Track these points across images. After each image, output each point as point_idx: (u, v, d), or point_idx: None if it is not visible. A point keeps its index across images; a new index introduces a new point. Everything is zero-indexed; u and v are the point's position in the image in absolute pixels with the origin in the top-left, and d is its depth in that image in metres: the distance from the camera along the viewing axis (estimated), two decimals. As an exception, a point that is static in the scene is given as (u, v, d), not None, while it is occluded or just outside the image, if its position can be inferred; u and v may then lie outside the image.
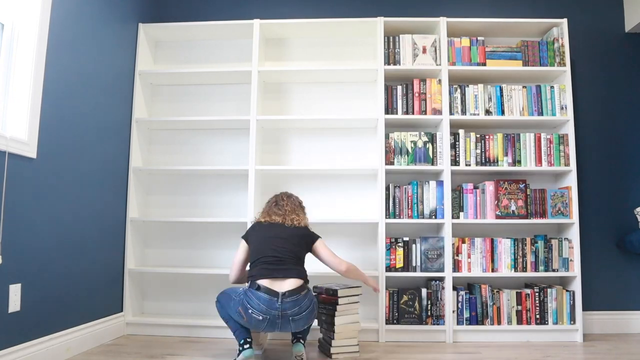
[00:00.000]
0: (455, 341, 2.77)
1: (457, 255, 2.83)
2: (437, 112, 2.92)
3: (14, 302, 1.96)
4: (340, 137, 3.15)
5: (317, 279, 2.83)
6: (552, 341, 2.76)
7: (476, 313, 2.79)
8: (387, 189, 2.88)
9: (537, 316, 2.79)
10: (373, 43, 3.17)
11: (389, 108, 2.95)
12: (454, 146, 2.90)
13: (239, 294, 2.16)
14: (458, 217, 2.86)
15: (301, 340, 2.25)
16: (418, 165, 2.88)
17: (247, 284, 2.23)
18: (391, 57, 2.98)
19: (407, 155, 2.90)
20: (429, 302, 2.79)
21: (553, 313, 2.79)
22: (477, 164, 2.89)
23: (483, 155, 2.90)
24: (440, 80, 2.95)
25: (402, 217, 2.87)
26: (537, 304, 2.79)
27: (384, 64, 2.96)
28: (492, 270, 2.82)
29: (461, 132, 2.91)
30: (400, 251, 2.82)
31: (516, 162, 2.89)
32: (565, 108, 2.91)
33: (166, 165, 3.09)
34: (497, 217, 2.83)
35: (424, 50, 2.98)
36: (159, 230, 3.16)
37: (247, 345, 2.12)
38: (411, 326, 2.78)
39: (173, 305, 3.09)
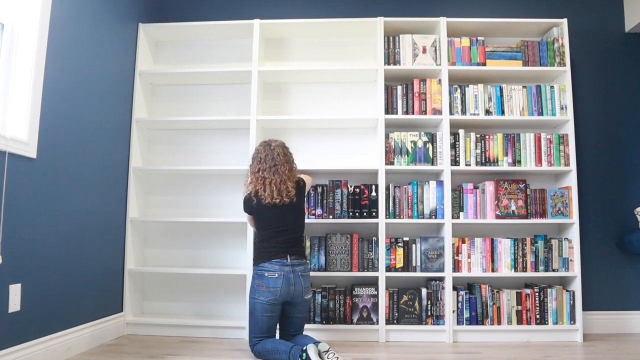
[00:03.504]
0: (455, 341, 2.77)
1: (457, 255, 2.83)
2: (437, 112, 2.92)
3: (14, 302, 1.96)
4: (341, 137, 3.15)
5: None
6: (552, 341, 2.76)
7: (476, 313, 2.79)
8: (387, 189, 2.88)
9: (537, 316, 2.79)
10: (373, 43, 3.17)
11: (389, 108, 2.95)
12: (454, 146, 2.90)
13: (252, 287, 2.40)
14: (458, 217, 2.86)
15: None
16: (418, 165, 2.88)
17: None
18: (391, 57, 2.98)
19: (407, 155, 2.90)
20: (429, 302, 2.80)
21: (553, 313, 2.79)
22: (477, 164, 2.89)
23: (483, 155, 2.90)
24: (440, 80, 2.95)
25: (402, 217, 2.87)
26: (537, 304, 2.79)
27: (384, 64, 2.96)
28: (492, 270, 2.82)
29: (461, 132, 2.91)
30: (400, 251, 2.82)
31: (516, 162, 2.89)
32: (565, 108, 2.91)
33: (166, 165, 3.09)
34: (497, 217, 2.83)
35: (424, 50, 2.98)
36: (159, 230, 3.16)
37: (305, 354, 2.08)
38: (411, 326, 2.78)
39: (173, 305, 3.09)
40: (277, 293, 2.31)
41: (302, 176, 2.63)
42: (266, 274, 2.33)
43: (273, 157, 2.44)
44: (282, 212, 2.42)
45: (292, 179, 2.46)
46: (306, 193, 2.64)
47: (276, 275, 2.32)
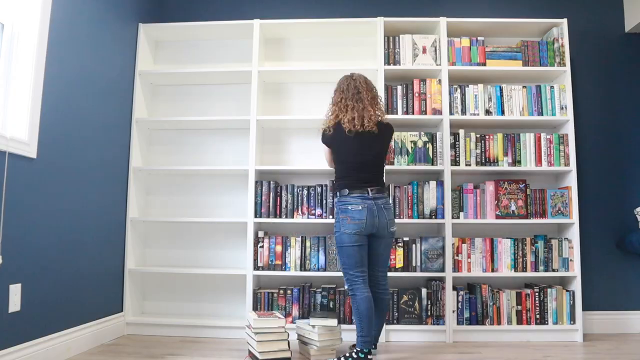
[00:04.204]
0: (455, 341, 2.77)
1: (457, 255, 2.83)
2: (437, 112, 2.92)
3: (14, 302, 1.96)
4: (340, 137, 3.14)
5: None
6: (552, 341, 2.76)
7: (476, 313, 2.79)
8: (388, 189, 2.88)
9: (537, 316, 2.79)
10: (373, 43, 3.17)
11: (389, 108, 2.95)
12: (454, 146, 2.90)
13: (337, 221, 2.32)
14: (458, 217, 2.86)
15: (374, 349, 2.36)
16: (418, 165, 2.88)
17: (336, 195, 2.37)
18: (391, 57, 2.98)
19: (407, 155, 2.90)
20: (429, 302, 2.80)
21: (553, 313, 2.79)
22: (477, 164, 2.89)
23: (483, 155, 2.90)
24: (440, 80, 2.95)
25: (402, 217, 2.87)
26: (537, 304, 2.79)
27: (384, 64, 2.96)
28: (492, 270, 2.82)
29: (461, 132, 2.91)
30: (400, 251, 2.82)
31: (516, 162, 2.89)
32: (565, 108, 2.92)
33: (166, 165, 3.09)
34: (497, 217, 2.83)
35: (424, 50, 2.98)
36: (159, 230, 3.16)
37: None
38: (411, 326, 2.78)
39: (173, 305, 3.09)
40: (363, 225, 2.24)
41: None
42: (350, 207, 2.26)
43: (356, 86, 2.36)
44: (363, 143, 2.31)
45: (375, 108, 2.35)
46: (390, 140, 2.44)
47: (360, 207, 2.25)
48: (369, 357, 2.20)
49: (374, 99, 2.38)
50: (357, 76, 2.41)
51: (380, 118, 2.36)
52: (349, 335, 2.78)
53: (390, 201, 2.41)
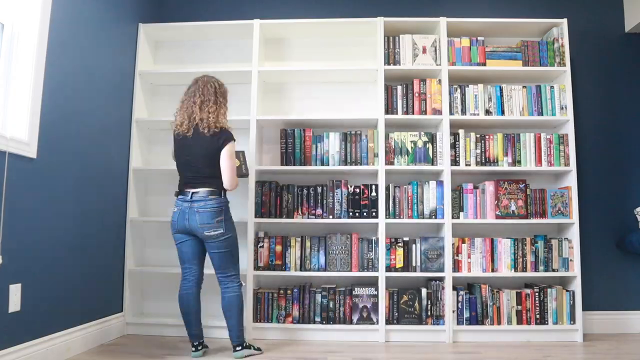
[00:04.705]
0: (455, 341, 2.77)
1: (457, 255, 2.83)
2: (437, 112, 2.92)
3: (14, 302, 1.96)
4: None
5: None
6: (552, 341, 2.76)
7: (476, 313, 2.79)
8: (387, 189, 2.88)
9: (537, 316, 2.79)
10: (373, 43, 3.17)
11: (389, 108, 2.95)
12: (454, 146, 2.90)
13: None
14: (458, 217, 2.86)
15: (237, 348, 2.39)
16: (418, 165, 2.88)
17: None
18: (391, 57, 2.98)
19: (407, 155, 2.90)
20: (429, 302, 2.80)
21: (553, 313, 2.79)
22: (477, 164, 2.89)
23: (483, 155, 2.90)
24: (440, 80, 2.95)
25: (402, 217, 2.87)
26: (537, 304, 2.79)
27: (384, 64, 2.96)
28: (492, 270, 2.82)
29: (461, 132, 2.91)
30: (400, 251, 2.82)
31: (516, 162, 2.89)
32: (565, 108, 2.92)
33: (166, 165, 3.09)
34: (497, 217, 2.83)
35: (424, 50, 2.98)
36: (159, 230, 3.16)
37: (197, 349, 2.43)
38: (411, 326, 2.78)
39: (173, 305, 3.08)
40: (175, 226, 2.42)
41: (229, 139, 2.40)
42: (172, 209, 2.47)
43: (193, 90, 2.41)
44: (187, 144, 2.39)
45: (203, 112, 2.35)
46: (223, 147, 2.37)
47: (175, 209, 2.42)
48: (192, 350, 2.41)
49: (204, 103, 2.37)
50: (202, 79, 2.43)
51: (209, 122, 2.34)
52: (348, 335, 2.78)
53: (216, 205, 2.35)
